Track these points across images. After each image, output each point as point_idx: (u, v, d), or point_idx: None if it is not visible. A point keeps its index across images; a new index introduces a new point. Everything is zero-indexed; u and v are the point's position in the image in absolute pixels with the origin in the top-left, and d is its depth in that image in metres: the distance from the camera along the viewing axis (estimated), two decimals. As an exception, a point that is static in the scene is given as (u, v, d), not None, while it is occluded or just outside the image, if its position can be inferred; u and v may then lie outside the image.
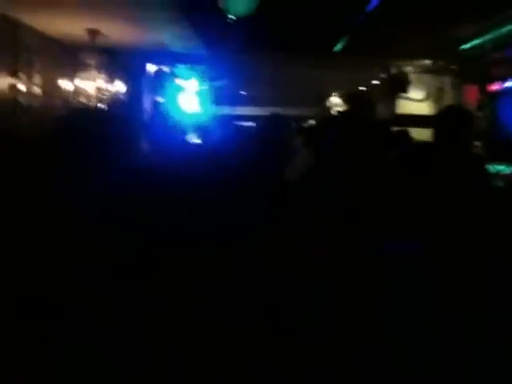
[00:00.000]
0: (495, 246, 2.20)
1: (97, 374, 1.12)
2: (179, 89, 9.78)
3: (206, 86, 10.50)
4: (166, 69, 8.84)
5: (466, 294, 1.90)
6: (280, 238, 1.92)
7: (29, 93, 6.15)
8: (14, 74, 5.80)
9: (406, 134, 4.87)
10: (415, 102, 8.51)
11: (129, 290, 1.20)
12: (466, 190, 2.96)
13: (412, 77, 8.35)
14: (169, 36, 6.66)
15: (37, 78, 6.31)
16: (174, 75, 9.29)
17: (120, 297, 1.19)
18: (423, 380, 1.78)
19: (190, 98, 10.26)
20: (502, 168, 5.41)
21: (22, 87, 5.96)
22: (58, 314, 1.15)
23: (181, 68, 9.08)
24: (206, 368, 1.20)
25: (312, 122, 12.70)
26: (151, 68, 8.60)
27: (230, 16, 3.99)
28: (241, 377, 1.25)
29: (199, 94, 10.49)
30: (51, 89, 6.56)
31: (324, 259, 1.93)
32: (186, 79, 9.79)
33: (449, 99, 7.78)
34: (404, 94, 8.51)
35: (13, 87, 5.78)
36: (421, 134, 7.70)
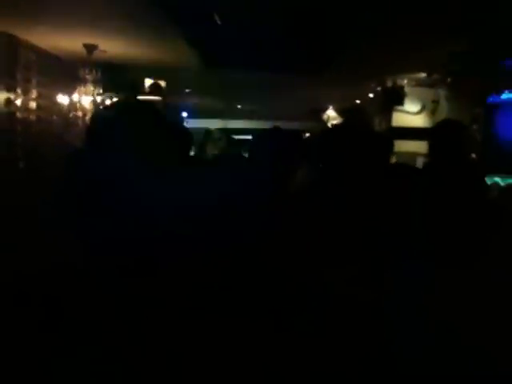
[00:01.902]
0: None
1: (97, 374, 1.12)
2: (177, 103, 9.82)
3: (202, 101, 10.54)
4: (162, 83, 8.87)
5: (465, 294, 1.91)
6: (282, 241, 1.93)
7: (26, 108, 6.17)
8: (11, 89, 5.83)
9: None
10: (411, 114, 8.55)
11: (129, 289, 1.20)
12: (466, 204, 2.97)
13: (407, 90, 8.40)
14: (166, 51, 6.70)
15: (34, 93, 6.34)
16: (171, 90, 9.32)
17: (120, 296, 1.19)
18: (424, 379, 1.78)
19: (186, 111, 10.30)
20: (497, 180, 5.44)
21: (19, 102, 5.99)
22: (58, 313, 1.15)
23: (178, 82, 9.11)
24: (207, 368, 1.20)
25: (308, 135, 12.74)
26: (147, 82, 8.63)
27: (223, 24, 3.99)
28: (241, 377, 1.25)
29: (196, 107, 10.53)
30: (48, 103, 6.58)
31: (326, 260, 1.93)
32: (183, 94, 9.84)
33: (444, 112, 7.83)
34: (399, 107, 8.56)
35: (10, 102, 5.80)
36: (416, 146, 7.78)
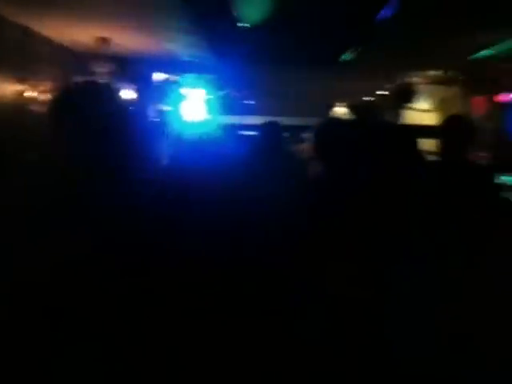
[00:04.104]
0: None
1: (96, 374, 1.12)
2: (186, 97, 9.80)
3: (212, 95, 10.52)
4: (174, 77, 8.86)
5: (466, 292, 1.90)
6: (283, 238, 1.93)
7: (37, 100, 6.17)
8: (22, 81, 5.82)
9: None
10: (421, 112, 8.51)
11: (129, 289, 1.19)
12: (471, 200, 2.95)
13: (418, 87, 8.36)
14: (178, 45, 6.69)
15: (45, 86, 6.33)
16: (181, 84, 9.31)
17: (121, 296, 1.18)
18: (424, 379, 1.78)
19: (196, 106, 10.28)
20: (510, 179, 5.41)
21: (30, 94, 5.98)
22: (58, 311, 1.14)
23: (189, 77, 9.10)
24: (207, 368, 1.20)
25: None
26: (160, 76, 8.62)
27: (242, 24, 4.01)
28: (241, 377, 1.25)
29: (206, 102, 10.51)
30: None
31: (327, 257, 1.93)
32: (193, 88, 9.82)
33: (456, 110, 7.79)
34: (410, 105, 8.52)
35: (21, 94, 5.80)
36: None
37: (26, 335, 1.12)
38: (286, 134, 4.29)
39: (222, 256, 1.39)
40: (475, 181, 3.17)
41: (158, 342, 1.16)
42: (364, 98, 10.88)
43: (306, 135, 10.55)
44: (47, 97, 6.38)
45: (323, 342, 1.66)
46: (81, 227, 1.24)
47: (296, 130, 9.66)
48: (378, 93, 9.60)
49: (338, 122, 2.88)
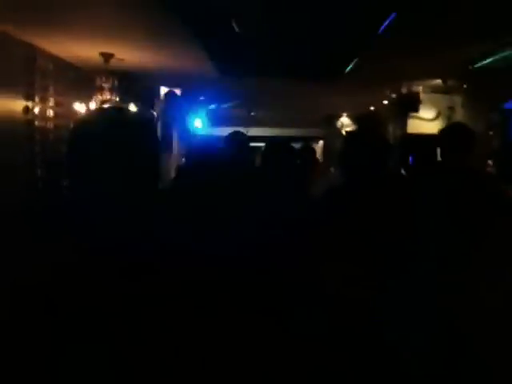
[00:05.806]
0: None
1: (96, 374, 1.12)
2: (192, 111, 9.87)
3: (218, 108, 10.59)
4: (177, 91, 8.93)
5: (465, 294, 1.89)
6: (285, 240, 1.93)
7: (43, 116, 6.24)
8: (29, 97, 5.90)
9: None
10: (426, 121, 8.52)
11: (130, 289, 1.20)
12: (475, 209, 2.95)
13: (422, 96, 8.37)
14: (182, 60, 6.74)
15: (52, 101, 6.41)
16: (187, 98, 9.38)
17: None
18: (423, 378, 1.77)
19: (202, 120, 10.37)
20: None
21: (37, 110, 6.05)
22: (58, 312, 1.15)
23: (194, 91, 9.18)
24: (207, 367, 1.20)
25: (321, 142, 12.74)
26: (163, 91, 8.69)
27: (244, 38, 4.05)
28: (239, 376, 1.25)
29: (211, 115, 10.59)
30: (66, 112, 6.64)
31: (327, 258, 1.93)
32: (199, 102, 9.89)
33: (459, 118, 7.79)
34: (415, 114, 8.53)
35: (28, 110, 5.87)
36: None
37: (26, 336, 1.13)
38: (296, 145, 4.27)
39: (220, 255, 1.40)
40: (478, 188, 3.18)
41: (157, 341, 1.16)
42: (371, 108, 10.91)
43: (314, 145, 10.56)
44: (54, 112, 6.46)
45: (322, 343, 1.66)
46: (80, 230, 1.25)
47: (304, 140, 9.70)
48: (384, 102, 9.61)
49: (364, 133, 2.97)
